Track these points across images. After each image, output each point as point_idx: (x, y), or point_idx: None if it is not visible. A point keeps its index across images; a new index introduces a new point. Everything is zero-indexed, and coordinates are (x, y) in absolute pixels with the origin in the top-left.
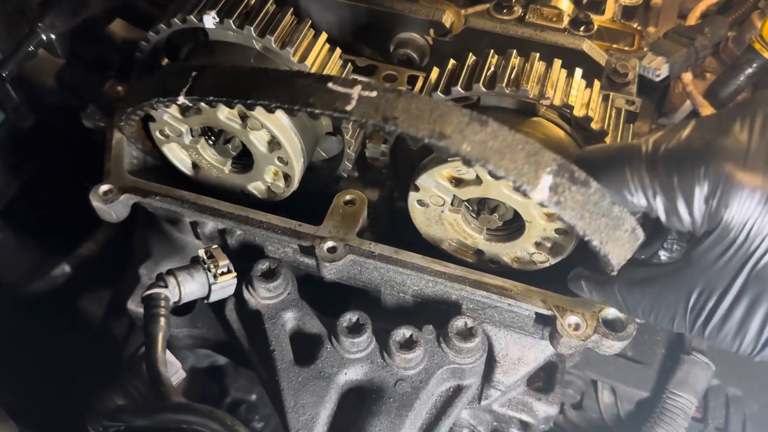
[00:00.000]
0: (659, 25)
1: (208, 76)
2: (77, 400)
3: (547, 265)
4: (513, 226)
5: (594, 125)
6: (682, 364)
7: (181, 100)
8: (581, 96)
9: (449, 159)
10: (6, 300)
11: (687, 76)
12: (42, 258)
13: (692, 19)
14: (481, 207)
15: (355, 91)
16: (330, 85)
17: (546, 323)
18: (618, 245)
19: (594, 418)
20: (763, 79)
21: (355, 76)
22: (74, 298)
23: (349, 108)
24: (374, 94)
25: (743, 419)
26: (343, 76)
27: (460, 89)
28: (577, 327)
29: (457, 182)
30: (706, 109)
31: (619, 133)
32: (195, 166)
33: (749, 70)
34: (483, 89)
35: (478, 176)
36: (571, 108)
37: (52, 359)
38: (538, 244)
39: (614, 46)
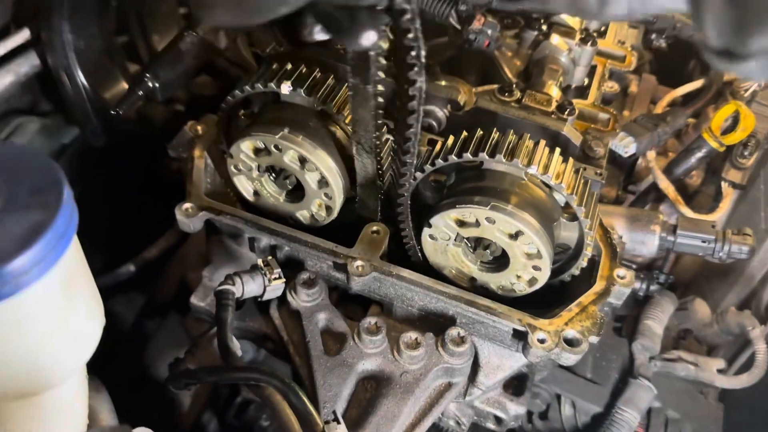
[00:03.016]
0: (633, 110)
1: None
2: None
3: (524, 293)
4: (500, 261)
5: (566, 191)
6: (630, 386)
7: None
8: (557, 168)
9: (456, 206)
10: None
11: (651, 154)
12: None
13: (660, 107)
14: (478, 244)
15: None
16: None
17: (520, 338)
18: None
19: (557, 428)
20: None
21: None
22: (130, 293)
23: None
24: None
25: None
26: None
27: (469, 155)
28: (543, 341)
29: (461, 223)
30: (664, 182)
31: (585, 198)
32: (256, 193)
33: (699, 154)
34: (487, 157)
35: (477, 220)
36: (549, 177)
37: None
38: (518, 276)
39: (592, 126)
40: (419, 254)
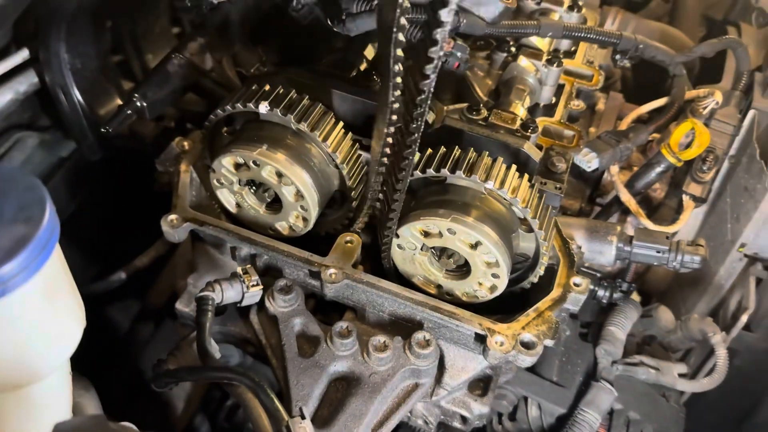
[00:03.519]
0: (600, 126)
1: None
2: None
3: (486, 299)
4: (463, 269)
5: (521, 204)
6: (592, 389)
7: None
8: (513, 183)
9: (421, 218)
10: None
11: (614, 168)
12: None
13: (625, 124)
14: (442, 253)
15: None
16: None
17: (482, 341)
18: None
19: (524, 429)
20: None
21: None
22: (126, 301)
23: None
24: None
25: None
26: (352, 152)
27: (432, 171)
28: (501, 344)
29: (426, 234)
30: (625, 195)
31: (539, 211)
32: (238, 205)
33: (659, 169)
34: (448, 173)
35: (440, 231)
36: (505, 192)
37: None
38: (480, 284)
39: (557, 142)
40: (390, 263)
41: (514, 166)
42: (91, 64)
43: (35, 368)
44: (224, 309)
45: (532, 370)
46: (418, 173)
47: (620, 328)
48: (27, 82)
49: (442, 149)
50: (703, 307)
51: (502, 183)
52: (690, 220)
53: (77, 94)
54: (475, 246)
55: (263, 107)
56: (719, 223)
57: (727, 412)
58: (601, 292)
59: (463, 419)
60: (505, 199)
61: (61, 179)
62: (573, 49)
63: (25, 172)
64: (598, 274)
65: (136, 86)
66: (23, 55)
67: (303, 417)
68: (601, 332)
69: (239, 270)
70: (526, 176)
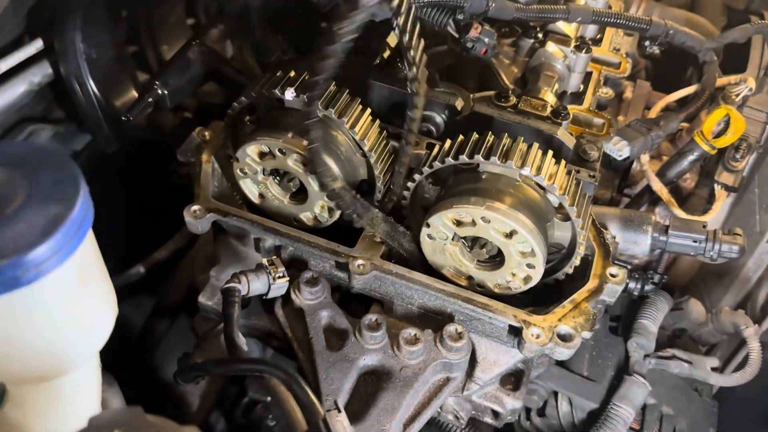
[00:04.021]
0: (628, 115)
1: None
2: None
3: (519, 290)
4: (496, 260)
5: (558, 191)
6: (625, 383)
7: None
8: (550, 170)
9: (453, 206)
10: None
11: (645, 158)
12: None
13: (654, 112)
14: (474, 243)
15: None
16: None
17: (516, 334)
18: None
19: (554, 424)
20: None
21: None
22: (140, 296)
23: None
24: None
25: None
26: (380, 139)
27: (465, 157)
28: (538, 336)
29: (458, 223)
30: (657, 185)
31: (577, 199)
32: (261, 196)
33: (691, 157)
34: (482, 159)
35: (473, 220)
36: (542, 178)
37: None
38: (513, 274)
39: (587, 130)
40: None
41: (550, 152)
42: (106, 54)
43: (66, 359)
44: (248, 302)
45: (562, 364)
46: (450, 160)
47: (652, 321)
48: (41, 73)
49: (474, 135)
50: (730, 301)
51: (539, 169)
52: (717, 212)
53: (92, 85)
54: (510, 235)
55: (289, 94)
56: (747, 215)
57: (755, 408)
58: (632, 285)
59: (495, 414)
60: (540, 186)
61: None
62: (599, 36)
63: (58, 149)
64: (628, 267)
65: (157, 73)
66: (37, 45)
67: (339, 410)
68: (632, 325)
69: (265, 261)
70: (563, 162)
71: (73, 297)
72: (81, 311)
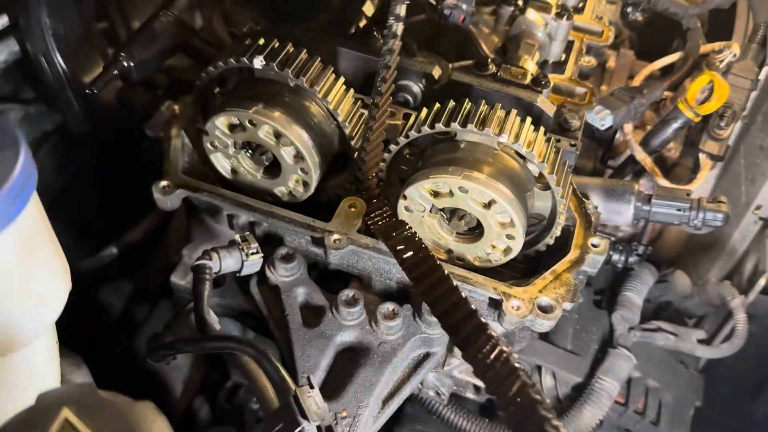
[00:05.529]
0: (611, 84)
1: None
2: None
3: (500, 262)
4: (475, 232)
5: (537, 159)
6: (609, 356)
7: None
8: (528, 137)
9: (430, 177)
10: None
11: (628, 127)
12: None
13: (637, 81)
14: (452, 215)
15: None
16: None
17: (496, 307)
18: None
19: None
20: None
21: None
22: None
23: None
24: None
25: (659, 406)
26: (354, 110)
27: (441, 125)
28: (518, 308)
29: (435, 194)
30: (641, 154)
31: (556, 167)
32: (234, 171)
33: (675, 125)
34: (459, 127)
35: (451, 190)
36: (520, 146)
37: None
38: (493, 246)
39: (569, 99)
40: None
41: (528, 119)
42: (74, 29)
43: (16, 333)
44: (223, 280)
45: (545, 338)
46: (426, 129)
47: (637, 293)
48: (7, 50)
49: (451, 103)
50: (717, 273)
51: (517, 137)
52: (702, 182)
53: (61, 62)
54: (488, 205)
55: (258, 62)
56: (733, 186)
57: (742, 381)
58: (615, 257)
59: (477, 389)
60: (519, 154)
61: (47, 154)
62: (581, 5)
63: None
64: (612, 239)
65: (122, 45)
66: (2, 22)
67: (311, 386)
68: (616, 298)
69: (237, 237)
70: (542, 129)
71: (18, 269)
72: (28, 285)
